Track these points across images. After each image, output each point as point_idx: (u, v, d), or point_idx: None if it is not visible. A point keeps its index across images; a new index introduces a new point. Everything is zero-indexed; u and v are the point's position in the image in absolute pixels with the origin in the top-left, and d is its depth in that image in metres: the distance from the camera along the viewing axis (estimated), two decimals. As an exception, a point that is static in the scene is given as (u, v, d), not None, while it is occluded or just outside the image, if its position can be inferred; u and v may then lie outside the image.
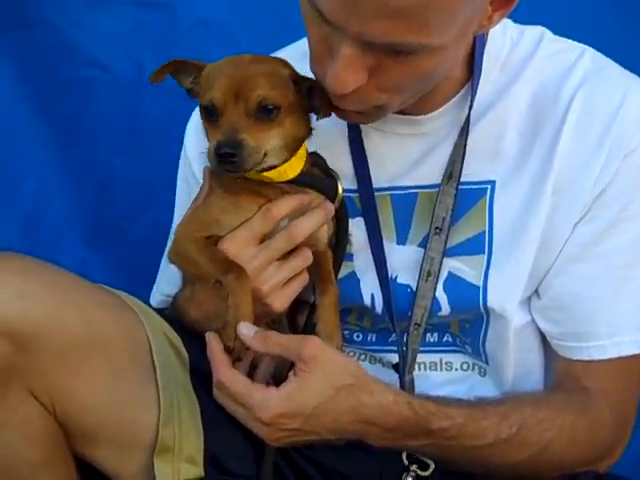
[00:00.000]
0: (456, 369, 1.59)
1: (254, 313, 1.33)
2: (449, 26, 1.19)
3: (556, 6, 1.86)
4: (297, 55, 1.42)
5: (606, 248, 1.43)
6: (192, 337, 1.48)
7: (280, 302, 1.41)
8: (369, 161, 1.52)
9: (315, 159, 1.45)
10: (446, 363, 1.58)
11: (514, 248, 1.44)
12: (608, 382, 1.44)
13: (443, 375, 1.58)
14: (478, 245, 1.47)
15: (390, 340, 1.58)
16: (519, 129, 1.46)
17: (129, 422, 1.38)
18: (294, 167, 1.39)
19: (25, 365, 1.26)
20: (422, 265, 1.47)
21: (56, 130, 2.29)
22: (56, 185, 2.32)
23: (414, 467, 1.47)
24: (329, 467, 1.53)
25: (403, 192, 1.52)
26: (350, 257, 1.54)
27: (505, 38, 1.49)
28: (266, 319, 1.43)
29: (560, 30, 1.54)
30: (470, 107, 1.44)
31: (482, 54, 1.44)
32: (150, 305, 1.60)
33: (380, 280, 1.50)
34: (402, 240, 1.52)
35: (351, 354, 1.64)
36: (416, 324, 1.48)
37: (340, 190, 1.45)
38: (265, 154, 1.31)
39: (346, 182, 1.50)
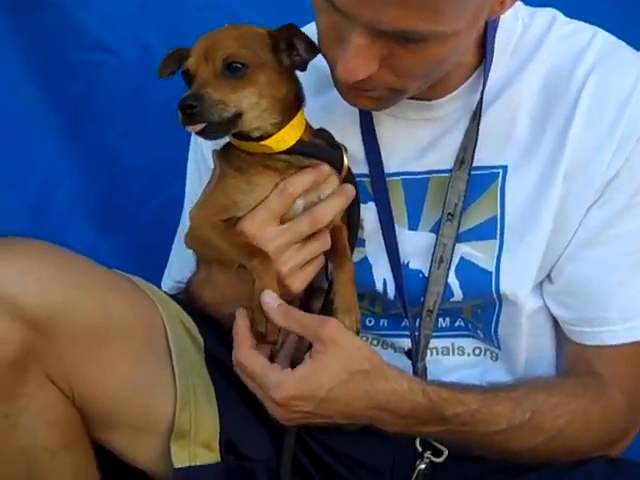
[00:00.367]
0: (468, 354, 1.59)
1: None
2: (461, 13, 1.19)
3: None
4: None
5: (619, 232, 1.42)
6: (207, 322, 1.49)
7: (298, 284, 1.42)
8: (381, 146, 1.51)
9: (320, 132, 1.45)
10: (458, 348, 1.58)
11: (526, 233, 1.44)
12: (621, 367, 1.44)
13: (455, 360, 1.58)
14: (490, 230, 1.47)
15: (402, 325, 1.58)
16: (531, 113, 1.45)
17: (146, 407, 1.38)
18: (291, 134, 1.38)
19: (44, 350, 1.27)
20: (434, 251, 1.47)
21: (64, 114, 2.27)
22: (65, 169, 2.31)
23: (428, 453, 1.48)
24: (343, 452, 1.54)
25: (415, 177, 1.51)
26: (362, 242, 1.53)
27: (516, 21, 1.48)
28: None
29: (570, 13, 1.52)
30: (482, 91, 1.44)
31: (494, 38, 1.44)
32: (163, 290, 1.60)
33: (392, 266, 1.50)
34: (414, 225, 1.52)
35: (363, 339, 1.63)
36: (428, 310, 1.48)
37: (346, 160, 1.44)
38: (241, 113, 1.31)
39: (358, 167, 1.50)
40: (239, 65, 1.31)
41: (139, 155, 2.29)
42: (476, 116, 1.44)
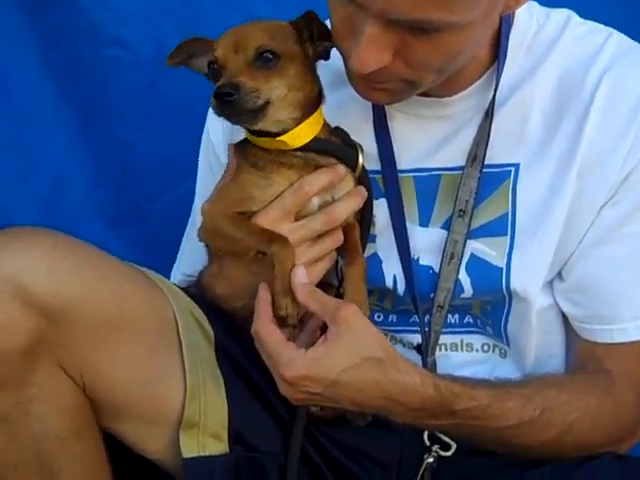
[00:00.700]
0: (477, 350, 1.59)
1: None
2: (474, 4, 1.19)
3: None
4: None
5: (631, 231, 1.43)
6: (217, 315, 1.49)
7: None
8: (393, 143, 1.52)
9: (336, 131, 1.46)
10: (467, 344, 1.59)
11: (538, 230, 1.44)
12: (631, 364, 1.45)
13: (464, 356, 1.59)
14: (501, 227, 1.47)
15: (411, 321, 1.59)
16: (544, 112, 1.46)
17: (156, 397, 1.39)
18: (307, 131, 1.39)
19: (56, 339, 1.27)
20: (445, 247, 1.47)
21: (78, 110, 2.29)
22: (77, 164, 2.33)
23: (436, 447, 1.48)
24: (351, 446, 1.54)
25: (427, 174, 1.52)
26: (373, 238, 1.54)
27: (531, 20, 1.49)
28: None
29: (585, 13, 1.53)
30: (495, 89, 1.44)
31: (508, 36, 1.44)
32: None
33: (402, 261, 1.50)
34: (425, 222, 1.52)
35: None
36: (439, 306, 1.48)
37: (361, 159, 1.45)
38: (268, 102, 1.32)
39: (370, 163, 1.50)
40: (271, 55, 1.33)
41: (151, 151, 2.31)
42: (489, 114, 1.44)
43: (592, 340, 1.47)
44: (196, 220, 1.71)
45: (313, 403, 1.32)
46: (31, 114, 2.27)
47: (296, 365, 1.25)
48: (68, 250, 1.31)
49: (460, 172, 1.48)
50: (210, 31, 1.44)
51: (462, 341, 1.59)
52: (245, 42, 1.33)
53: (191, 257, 1.77)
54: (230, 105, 1.29)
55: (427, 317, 1.51)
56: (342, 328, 1.25)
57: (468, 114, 1.49)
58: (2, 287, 1.22)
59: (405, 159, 1.52)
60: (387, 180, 1.52)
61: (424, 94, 1.44)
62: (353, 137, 1.47)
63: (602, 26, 1.51)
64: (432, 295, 1.49)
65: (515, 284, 1.45)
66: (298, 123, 1.38)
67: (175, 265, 1.87)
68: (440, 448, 1.48)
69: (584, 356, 1.50)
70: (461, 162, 1.48)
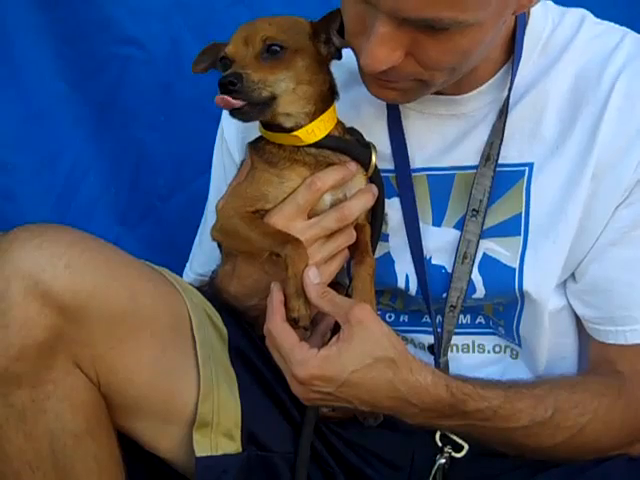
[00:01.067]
0: (488, 351, 1.59)
1: None
2: (485, 3, 1.19)
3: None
4: None
5: None
6: (231, 314, 1.50)
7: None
8: (407, 142, 1.52)
9: (350, 131, 1.47)
10: (479, 345, 1.58)
11: (551, 231, 1.44)
12: None
13: (475, 357, 1.59)
14: (515, 227, 1.47)
15: (422, 321, 1.59)
16: (559, 112, 1.45)
17: (169, 396, 1.39)
18: (321, 128, 1.40)
19: (72, 336, 1.27)
20: (458, 247, 1.47)
21: (92, 107, 2.30)
22: (90, 162, 2.34)
23: (448, 448, 1.48)
24: (362, 447, 1.55)
25: (440, 173, 1.52)
26: (385, 237, 1.54)
27: (546, 20, 1.48)
28: None
29: (599, 14, 1.52)
30: (510, 88, 1.44)
31: (523, 35, 1.44)
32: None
33: (415, 261, 1.50)
34: (438, 221, 1.52)
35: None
36: (452, 306, 1.48)
37: (374, 159, 1.45)
38: (275, 97, 1.34)
39: (383, 162, 1.50)
40: (278, 48, 1.34)
41: (165, 149, 2.32)
42: (503, 112, 1.44)
43: (605, 342, 1.46)
44: (209, 219, 1.72)
45: (325, 404, 1.32)
46: (45, 111, 2.27)
47: (308, 365, 1.25)
48: (85, 247, 1.31)
49: (473, 171, 1.48)
50: (223, 30, 1.44)
51: (474, 342, 1.58)
52: (254, 35, 1.35)
53: (204, 256, 1.78)
54: (233, 95, 1.29)
55: (439, 317, 1.50)
56: (355, 328, 1.25)
57: (482, 112, 1.48)
58: (21, 284, 1.22)
59: (419, 158, 1.52)
60: (400, 179, 1.52)
61: (438, 92, 1.44)
62: (367, 136, 1.48)
63: (617, 26, 1.50)
64: (444, 295, 1.49)
65: (528, 285, 1.45)
66: (312, 119, 1.39)
67: (188, 264, 1.87)
68: (452, 449, 1.47)
69: (597, 358, 1.49)
70: (474, 161, 1.48)
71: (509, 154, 1.46)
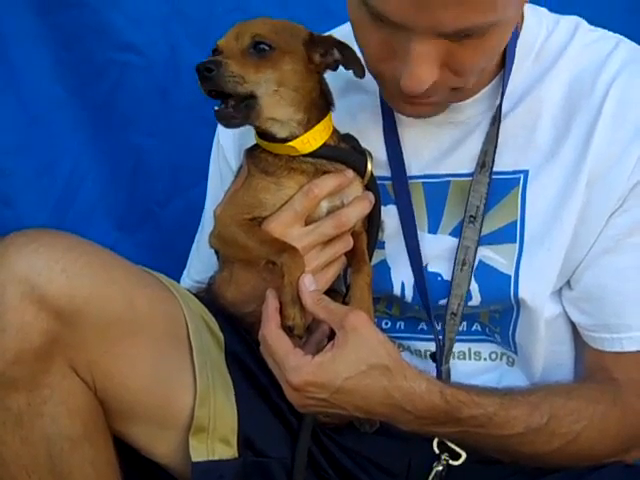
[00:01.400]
0: (485, 359, 1.59)
1: None
2: None
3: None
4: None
5: (638, 241, 1.42)
6: (227, 320, 1.50)
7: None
8: (402, 149, 1.52)
9: (346, 138, 1.47)
10: (475, 353, 1.58)
11: (546, 238, 1.44)
12: (639, 373, 1.44)
13: (471, 364, 1.58)
14: (510, 234, 1.47)
15: (419, 328, 1.60)
16: (553, 119, 1.46)
17: (166, 401, 1.39)
18: (317, 137, 1.40)
19: (68, 341, 1.28)
20: (457, 254, 1.47)
21: (90, 113, 2.31)
22: (89, 168, 2.34)
23: (445, 456, 1.48)
24: (358, 453, 1.55)
25: (436, 180, 1.52)
26: (381, 245, 1.54)
27: (540, 27, 1.49)
28: None
29: (594, 21, 1.53)
30: (502, 95, 1.44)
31: (516, 42, 1.45)
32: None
33: (414, 269, 1.51)
34: (434, 229, 1.52)
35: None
36: (452, 313, 1.48)
37: (370, 166, 1.46)
38: (255, 96, 1.33)
39: (380, 169, 1.51)
40: (266, 46, 1.33)
41: (163, 155, 2.33)
42: (496, 119, 1.45)
43: (600, 349, 1.46)
44: (206, 226, 1.72)
45: (320, 410, 1.32)
46: (43, 117, 2.28)
47: (302, 371, 1.25)
48: (82, 252, 1.31)
49: (469, 179, 1.48)
50: (222, 36, 1.45)
51: (470, 349, 1.58)
52: (245, 31, 1.35)
53: (201, 263, 1.79)
54: (208, 82, 1.29)
55: (440, 324, 1.50)
56: (349, 335, 1.26)
57: (477, 120, 1.49)
58: (17, 288, 1.23)
59: (414, 165, 1.52)
60: (397, 187, 1.52)
61: None
62: (363, 143, 1.48)
63: (611, 33, 1.51)
64: (441, 302, 1.49)
65: (523, 292, 1.45)
66: (307, 129, 1.39)
67: (185, 271, 1.88)
68: (449, 457, 1.47)
69: (592, 365, 1.49)
70: (470, 168, 1.49)
71: (504, 162, 1.47)
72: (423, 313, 1.52)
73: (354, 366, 1.25)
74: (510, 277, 1.46)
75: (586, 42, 1.48)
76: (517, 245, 1.46)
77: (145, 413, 1.38)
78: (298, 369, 1.25)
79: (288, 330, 1.32)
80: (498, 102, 1.45)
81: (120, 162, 2.34)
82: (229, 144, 1.70)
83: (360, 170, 1.45)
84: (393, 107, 1.43)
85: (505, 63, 1.44)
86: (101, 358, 1.32)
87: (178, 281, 1.82)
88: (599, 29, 1.52)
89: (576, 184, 1.42)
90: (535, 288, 1.46)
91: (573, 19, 1.52)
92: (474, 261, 1.47)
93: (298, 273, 1.34)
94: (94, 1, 2.21)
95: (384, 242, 1.54)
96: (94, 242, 1.38)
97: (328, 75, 1.45)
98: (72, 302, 1.26)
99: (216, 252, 1.55)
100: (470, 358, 1.59)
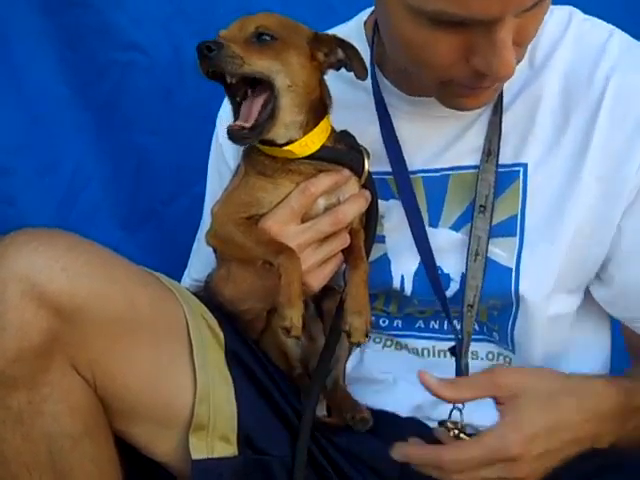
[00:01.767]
0: (481, 358, 1.59)
1: None
2: None
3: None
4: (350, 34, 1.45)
5: None
6: (226, 318, 1.51)
7: (317, 282, 1.45)
8: (401, 144, 1.52)
9: (343, 136, 1.48)
10: (472, 352, 1.57)
11: (548, 232, 1.44)
12: None
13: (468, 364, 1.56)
14: (510, 227, 1.47)
15: (416, 326, 1.61)
16: (552, 111, 1.46)
17: (166, 400, 1.39)
18: (315, 141, 1.41)
19: (68, 339, 1.28)
20: (469, 245, 1.47)
21: (94, 112, 2.31)
22: (92, 167, 2.35)
23: None
24: (353, 454, 1.54)
25: (435, 174, 1.53)
26: (382, 239, 1.55)
27: None
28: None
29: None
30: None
31: None
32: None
33: (425, 262, 1.50)
34: (434, 223, 1.53)
35: (377, 340, 1.66)
36: (469, 305, 1.47)
37: (367, 165, 1.47)
38: (270, 82, 1.33)
39: (380, 164, 1.52)
40: (268, 37, 1.34)
41: (166, 154, 2.33)
42: (498, 107, 1.45)
43: None
44: (206, 224, 1.72)
45: (548, 466, 1.28)
46: (47, 116, 2.29)
47: (507, 441, 1.23)
48: (82, 250, 1.32)
49: (469, 171, 1.49)
50: (225, 37, 1.45)
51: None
52: (249, 23, 1.35)
53: (201, 262, 1.79)
54: (208, 62, 1.29)
55: (432, 322, 1.53)
56: (512, 392, 1.27)
57: (476, 112, 1.48)
58: (17, 287, 1.23)
59: (413, 160, 1.52)
60: (400, 182, 1.52)
61: (429, 94, 1.45)
62: (360, 138, 1.49)
63: (604, 23, 1.50)
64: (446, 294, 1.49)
65: (524, 285, 1.45)
66: (305, 132, 1.40)
67: (186, 271, 1.89)
68: None
69: None
70: (470, 161, 1.49)
71: (505, 154, 1.47)
72: (421, 308, 1.53)
73: (542, 409, 1.26)
74: (511, 270, 1.46)
75: (581, 32, 1.48)
76: (517, 239, 1.46)
77: (145, 411, 1.39)
78: (504, 441, 1.24)
79: (285, 332, 1.33)
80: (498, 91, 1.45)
81: (123, 161, 2.35)
82: (228, 143, 1.70)
83: (358, 170, 1.46)
84: (453, 107, 1.42)
85: None
86: (101, 356, 1.32)
87: (180, 280, 1.83)
88: (592, 18, 1.51)
89: (579, 177, 1.42)
90: (536, 281, 1.46)
91: (566, 9, 1.51)
92: (486, 251, 1.46)
93: (295, 274, 1.34)
94: (97, 1, 2.22)
95: (384, 236, 1.55)
96: (95, 241, 1.39)
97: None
98: (72, 300, 1.26)
99: (214, 250, 1.56)
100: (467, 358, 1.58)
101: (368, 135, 1.51)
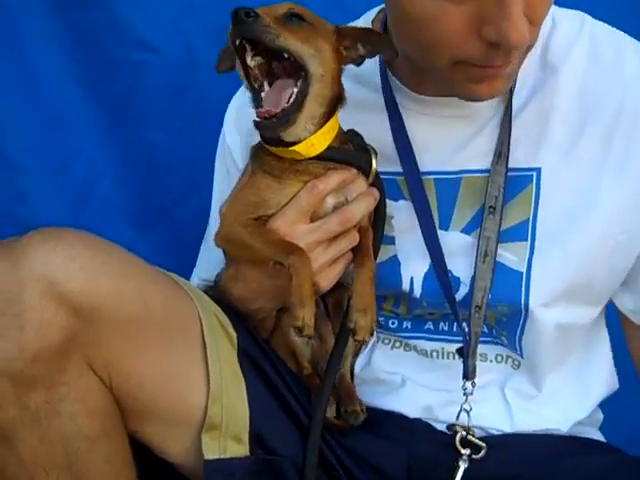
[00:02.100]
0: (490, 360, 1.60)
1: None
2: None
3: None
4: None
5: None
6: (238, 318, 1.51)
7: (327, 281, 1.46)
8: (413, 146, 1.53)
9: (350, 135, 1.48)
10: (480, 354, 1.57)
11: (561, 238, 1.45)
12: None
13: (476, 365, 1.57)
14: (522, 232, 1.48)
15: (425, 328, 1.61)
16: (567, 116, 1.46)
17: (179, 400, 1.40)
18: (321, 141, 1.40)
19: (85, 338, 1.28)
20: (478, 246, 1.48)
21: (106, 111, 2.32)
22: (104, 167, 2.35)
23: (466, 451, 1.48)
24: (359, 455, 1.54)
25: (447, 177, 1.53)
26: (391, 240, 1.56)
27: (545, 20, 1.48)
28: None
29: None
30: (513, 85, 1.45)
31: None
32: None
33: (435, 265, 1.51)
34: (445, 225, 1.53)
35: (386, 341, 1.67)
36: (477, 306, 1.48)
37: (375, 164, 1.47)
38: (303, 64, 1.32)
39: (390, 165, 1.52)
40: (300, 20, 1.33)
41: (177, 154, 2.34)
42: (508, 109, 1.46)
43: None
44: (213, 225, 1.73)
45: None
46: (59, 115, 2.29)
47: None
48: (99, 250, 1.32)
49: (481, 175, 1.49)
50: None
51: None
52: (278, 6, 1.34)
53: (209, 262, 1.79)
54: (244, 28, 1.27)
55: (441, 324, 1.53)
56: None
57: (489, 114, 1.49)
58: (36, 286, 1.23)
59: (425, 161, 1.53)
60: (411, 183, 1.53)
61: (445, 95, 1.46)
62: (370, 139, 1.49)
63: (617, 30, 1.51)
64: (469, 298, 1.50)
65: (534, 290, 1.46)
66: (314, 131, 1.39)
67: (194, 270, 1.89)
68: (471, 452, 1.48)
69: None
70: (482, 164, 1.49)
71: (517, 158, 1.47)
72: (430, 310, 1.54)
73: None
74: (521, 274, 1.46)
75: (596, 38, 1.48)
76: (528, 243, 1.47)
77: (159, 411, 1.39)
78: None
79: (297, 331, 1.34)
80: (509, 94, 1.46)
81: (136, 160, 2.35)
82: (236, 143, 1.72)
83: (365, 170, 1.46)
84: (467, 95, 1.41)
85: None
86: (117, 356, 1.33)
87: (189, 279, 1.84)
88: (603, 24, 1.52)
89: (599, 186, 1.43)
90: (547, 287, 1.46)
91: (578, 13, 1.52)
92: (495, 253, 1.47)
93: (306, 274, 1.35)
94: (110, 0, 2.23)
95: (394, 237, 1.56)
96: (109, 240, 1.39)
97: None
98: (90, 300, 1.27)
99: (223, 251, 1.56)
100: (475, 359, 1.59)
101: (377, 134, 1.51)
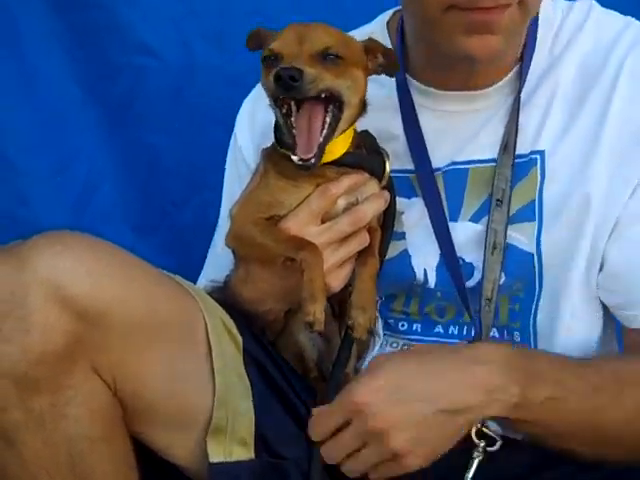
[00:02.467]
0: None
1: None
2: None
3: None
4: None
5: None
6: (244, 321, 1.50)
7: (338, 282, 1.46)
8: (425, 142, 1.54)
9: (364, 138, 1.48)
10: None
11: (565, 214, 1.46)
12: None
13: None
14: (529, 213, 1.49)
15: (435, 331, 1.61)
16: (566, 98, 1.49)
17: (184, 402, 1.39)
18: (338, 147, 1.42)
19: (90, 342, 1.28)
20: (486, 238, 1.48)
21: (106, 114, 2.32)
22: (105, 169, 2.36)
23: (481, 443, 1.42)
24: None
25: (455, 168, 1.54)
26: (402, 236, 1.56)
27: (556, 10, 1.54)
28: None
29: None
30: (523, 79, 1.48)
31: (536, 30, 1.50)
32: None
33: (446, 257, 1.52)
34: (454, 217, 1.54)
35: (394, 344, 1.66)
36: (487, 299, 1.48)
37: (388, 168, 1.48)
38: (339, 96, 1.35)
39: (402, 162, 1.53)
40: (335, 57, 1.34)
41: (178, 156, 2.34)
42: (516, 101, 1.47)
43: (636, 327, 1.46)
44: (223, 226, 1.72)
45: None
46: (60, 117, 2.30)
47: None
48: (103, 253, 1.32)
49: (488, 165, 1.51)
50: (238, 38, 1.46)
51: None
52: (312, 38, 1.34)
53: (218, 263, 1.77)
54: (293, 91, 1.29)
55: (451, 328, 1.54)
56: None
57: (498, 105, 1.51)
58: (41, 289, 1.23)
59: (435, 156, 1.54)
60: (422, 177, 1.54)
61: (455, 88, 1.49)
62: (383, 137, 1.51)
63: (622, 15, 1.54)
64: (467, 284, 1.50)
65: (547, 267, 1.47)
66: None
67: (202, 272, 1.88)
68: (486, 445, 1.42)
69: (631, 344, 1.50)
70: (489, 154, 1.51)
71: (522, 145, 1.49)
72: (444, 302, 1.55)
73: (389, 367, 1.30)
74: (532, 255, 1.48)
75: (599, 22, 1.51)
76: (536, 223, 1.48)
77: (164, 414, 1.39)
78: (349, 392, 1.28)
79: (308, 326, 1.34)
80: (518, 86, 1.48)
81: (136, 162, 2.35)
82: (247, 145, 1.71)
83: (379, 174, 1.47)
84: (460, 51, 1.40)
85: (526, 48, 1.49)
86: (121, 359, 1.32)
87: (194, 281, 1.82)
88: (611, 11, 1.55)
89: (593, 159, 1.44)
90: (557, 262, 1.47)
91: (586, 2, 1.55)
92: (505, 243, 1.47)
93: (318, 269, 1.36)
94: (111, 2, 2.23)
95: (404, 232, 1.56)
96: (112, 243, 1.39)
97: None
98: (95, 303, 1.27)
99: (233, 251, 1.56)
100: None
101: (389, 132, 1.53)
